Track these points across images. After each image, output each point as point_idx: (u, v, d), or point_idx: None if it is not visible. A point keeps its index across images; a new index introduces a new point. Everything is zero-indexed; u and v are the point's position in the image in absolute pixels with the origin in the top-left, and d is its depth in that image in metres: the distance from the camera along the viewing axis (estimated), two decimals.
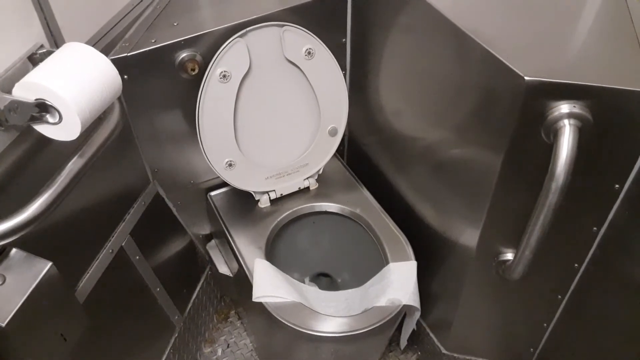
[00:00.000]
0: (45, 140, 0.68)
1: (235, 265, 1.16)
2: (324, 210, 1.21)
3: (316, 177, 1.24)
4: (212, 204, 1.22)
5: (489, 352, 1.22)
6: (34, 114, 0.64)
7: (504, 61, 0.74)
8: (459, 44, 0.84)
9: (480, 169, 0.88)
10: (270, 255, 1.12)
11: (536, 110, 0.74)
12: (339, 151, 1.30)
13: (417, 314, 1.11)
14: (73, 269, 0.88)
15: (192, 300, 1.33)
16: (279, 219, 1.18)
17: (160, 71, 0.97)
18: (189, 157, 1.14)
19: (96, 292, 0.92)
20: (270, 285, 1.02)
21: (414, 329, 1.20)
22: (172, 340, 1.25)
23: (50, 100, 0.63)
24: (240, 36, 0.96)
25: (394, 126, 1.15)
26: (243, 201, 1.21)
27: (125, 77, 0.92)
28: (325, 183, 1.25)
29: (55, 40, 0.79)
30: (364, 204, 1.20)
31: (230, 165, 1.10)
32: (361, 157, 1.35)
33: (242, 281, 1.12)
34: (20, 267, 0.67)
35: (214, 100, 1.00)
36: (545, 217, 0.76)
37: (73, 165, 0.69)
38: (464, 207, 0.97)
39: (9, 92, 0.63)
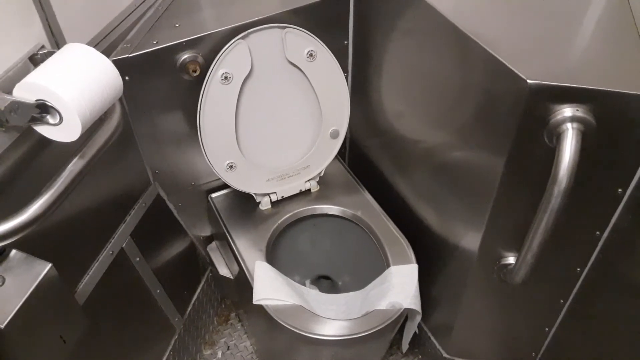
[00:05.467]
0: (45, 142, 0.68)
1: (236, 268, 1.15)
2: (325, 212, 1.21)
3: (317, 180, 1.23)
4: (213, 206, 1.22)
5: (491, 356, 1.21)
6: (35, 115, 0.64)
7: (506, 64, 0.74)
8: (461, 46, 0.84)
9: (482, 172, 0.88)
10: (271, 257, 1.12)
11: (539, 113, 0.73)
12: (341, 153, 1.30)
13: (418, 318, 1.10)
14: (73, 270, 0.88)
15: (192, 302, 1.33)
16: (279, 221, 1.18)
17: (162, 72, 0.97)
18: (189, 159, 1.14)
19: (96, 294, 0.92)
20: (270, 287, 1.02)
21: (415, 333, 1.19)
22: (172, 342, 1.24)
23: (51, 101, 0.62)
24: (242, 38, 0.96)
25: (396, 129, 1.15)
26: (244, 203, 1.21)
27: (127, 78, 0.92)
28: (326, 185, 1.25)
29: (57, 40, 0.78)
30: (365, 206, 1.19)
31: (231, 167, 1.09)
32: (363, 159, 1.35)
33: (243, 283, 1.11)
34: (20, 268, 0.67)
35: (215, 101, 1.00)
36: (547, 221, 0.76)
37: (73, 167, 0.69)
38: (466, 211, 0.97)
39: (10, 92, 0.63)
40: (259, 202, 1.20)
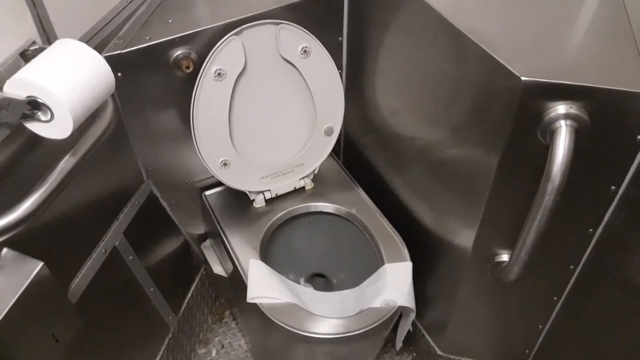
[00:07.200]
0: (37, 139, 0.67)
1: (230, 266, 1.15)
2: (319, 210, 1.21)
3: (312, 177, 1.23)
4: (207, 204, 1.21)
5: (484, 353, 1.21)
6: (26, 112, 0.63)
7: (500, 61, 0.74)
8: (456, 43, 0.84)
9: (477, 170, 0.88)
10: (265, 255, 1.12)
11: (533, 110, 0.73)
12: (335, 151, 1.29)
13: (413, 315, 1.10)
14: (65, 269, 0.87)
15: (186, 301, 1.33)
16: (274, 219, 1.17)
17: (155, 69, 0.96)
18: (183, 156, 1.13)
19: (89, 293, 0.91)
20: (264, 286, 1.01)
21: (409, 330, 1.19)
22: (166, 341, 1.24)
23: (42, 98, 0.62)
24: (235, 34, 0.96)
25: (391, 126, 1.15)
26: (238, 201, 1.20)
27: (119, 74, 0.91)
28: (320, 183, 1.24)
29: (48, 36, 0.78)
30: (359, 204, 1.19)
31: (225, 164, 1.09)
32: (357, 157, 1.35)
33: (237, 281, 1.11)
34: (11, 267, 0.67)
35: (208, 98, 0.99)
36: (541, 219, 0.76)
37: (65, 164, 0.69)
38: (460, 208, 0.97)
39: (0, 89, 0.62)
40: (253, 200, 1.20)
